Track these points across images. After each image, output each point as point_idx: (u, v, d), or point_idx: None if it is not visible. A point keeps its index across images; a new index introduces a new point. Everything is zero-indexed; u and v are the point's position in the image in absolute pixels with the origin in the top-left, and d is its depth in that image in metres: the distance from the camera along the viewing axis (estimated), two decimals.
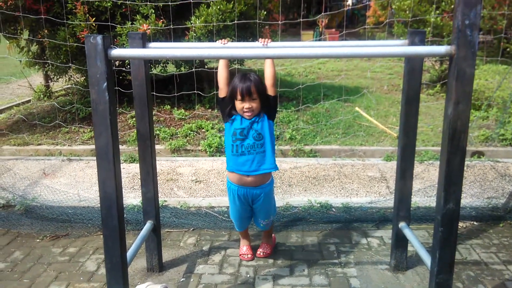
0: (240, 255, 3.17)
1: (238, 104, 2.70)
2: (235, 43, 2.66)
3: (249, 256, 3.14)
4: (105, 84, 2.06)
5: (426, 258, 2.46)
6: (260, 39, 2.55)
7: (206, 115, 6.41)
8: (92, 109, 2.11)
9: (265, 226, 3.08)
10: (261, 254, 3.15)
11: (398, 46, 2.63)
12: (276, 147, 5.47)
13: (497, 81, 6.91)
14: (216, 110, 6.51)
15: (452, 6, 7.22)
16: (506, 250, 3.21)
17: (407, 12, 7.70)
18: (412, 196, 2.91)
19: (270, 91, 2.74)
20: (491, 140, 5.46)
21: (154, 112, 6.29)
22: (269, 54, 2.37)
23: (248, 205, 2.95)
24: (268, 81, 2.72)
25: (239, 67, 6.68)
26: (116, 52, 2.07)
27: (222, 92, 2.75)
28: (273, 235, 3.32)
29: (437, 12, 7.60)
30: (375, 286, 2.80)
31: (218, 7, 5.61)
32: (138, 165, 2.88)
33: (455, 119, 2.05)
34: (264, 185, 2.86)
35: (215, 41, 2.61)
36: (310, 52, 2.17)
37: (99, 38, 2.01)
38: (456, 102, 2.03)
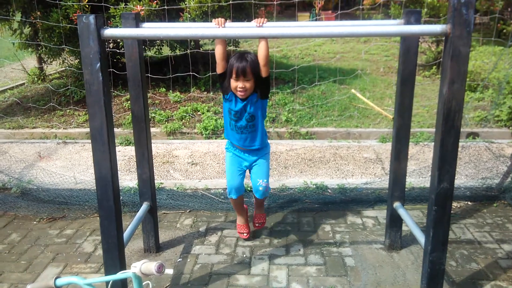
0: (238, 232, 3.20)
1: (233, 83, 2.74)
2: (230, 23, 2.63)
3: (246, 234, 3.18)
4: (99, 64, 2.04)
5: (420, 237, 2.49)
6: (255, 19, 2.53)
7: (201, 97, 6.39)
8: (85, 90, 2.10)
9: (264, 189, 2.99)
10: (258, 225, 3.22)
11: (394, 25, 2.61)
12: (272, 129, 5.48)
13: (493, 62, 6.90)
14: (212, 93, 6.48)
15: None
16: (500, 229, 3.25)
17: None
18: (407, 177, 2.93)
19: (263, 71, 2.76)
20: (486, 121, 5.48)
21: (149, 95, 6.26)
22: (264, 33, 2.34)
23: (245, 164, 3.00)
24: (261, 61, 2.73)
25: (235, 49, 6.63)
26: (109, 31, 2.05)
27: (219, 67, 2.79)
28: (264, 215, 3.29)
29: None
30: (370, 265, 2.84)
31: None
32: (133, 147, 2.88)
33: (449, 98, 2.05)
34: (261, 148, 2.99)
35: (211, 22, 2.59)
36: (306, 31, 2.16)
37: (91, 18, 1.98)
38: (451, 82, 2.02)
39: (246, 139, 2.89)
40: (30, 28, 6.60)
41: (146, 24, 2.64)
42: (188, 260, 2.93)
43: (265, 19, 2.52)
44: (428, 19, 7.25)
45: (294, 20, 14.17)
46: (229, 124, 2.89)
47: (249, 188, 3.64)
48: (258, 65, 2.73)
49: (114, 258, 2.32)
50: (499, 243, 3.07)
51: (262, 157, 3.01)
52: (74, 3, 5.46)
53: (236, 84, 2.71)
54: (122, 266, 2.37)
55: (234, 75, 2.70)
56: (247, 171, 3.06)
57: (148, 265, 1.62)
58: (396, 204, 2.90)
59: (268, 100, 2.91)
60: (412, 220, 2.72)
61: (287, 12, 17.57)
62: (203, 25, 2.74)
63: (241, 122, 2.83)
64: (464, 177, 4.05)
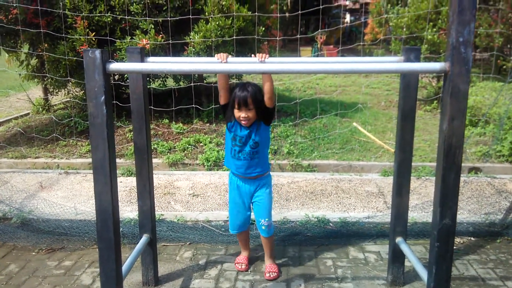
0: (235, 263, 3.19)
1: (236, 113, 2.83)
2: (233, 58, 2.69)
3: (243, 266, 3.16)
4: (103, 97, 2.07)
5: (423, 273, 2.45)
6: (257, 54, 2.59)
7: (204, 129, 6.43)
8: (89, 122, 2.12)
9: (266, 228, 3.01)
10: (270, 276, 3.05)
11: (394, 63, 2.65)
12: (273, 161, 5.49)
13: (493, 97, 6.96)
14: (214, 125, 6.53)
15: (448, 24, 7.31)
16: (503, 266, 3.20)
17: (404, 29, 7.80)
18: (409, 212, 2.92)
19: (268, 104, 2.83)
20: (488, 156, 5.48)
21: (152, 126, 6.31)
22: (266, 69, 2.39)
23: (247, 198, 3.01)
24: (266, 94, 2.81)
25: (237, 81, 6.73)
26: (114, 66, 2.09)
27: (222, 98, 2.89)
28: (276, 265, 3.16)
29: (434, 29, 7.70)
30: None
31: (217, 22, 5.68)
32: (135, 178, 2.88)
33: (450, 135, 2.06)
34: (262, 177, 3.01)
35: (214, 57, 2.65)
36: (307, 67, 2.20)
37: (97, 52, 2.03)
38: (451, 118, 2.04)
39: (247, 167, 2.91)
40: (37, 60, 6.72)
41: (150, 59, 2.70)
42: None
43: (267, 55, 2.58)
44: (428, 56, 7.37)
45: (296, 54, 14.43)
46: (231, 152, 2.94)
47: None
48: (260, 95, 2.81)
49: None
50: (503, 280, 3.02)
51: (263, 190, 3.00)
52: (81, 36, 5.59)
53: (239, 114, 2.80)
54: None
55: (236, 105, 2.79)
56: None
57: None
58: (399, 240, 2.88)
59: (270, 127, 2.97)
60: (415, 256, 2.69)
61: (289, 46, 17.88)
62: (206, 60, 2.81)
63: (246, 148, 2.88)
64: (467, 212, 4.02)
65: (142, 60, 2.64)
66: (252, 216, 3.12)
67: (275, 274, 3.06)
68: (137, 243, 2.87)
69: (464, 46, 1.99)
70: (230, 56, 2.63)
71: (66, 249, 3.50)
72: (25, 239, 3.61)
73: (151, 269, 2.96)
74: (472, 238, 3.62)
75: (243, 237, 3.21)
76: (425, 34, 7.44)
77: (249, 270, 3.16)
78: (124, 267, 2.49)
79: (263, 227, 3.02)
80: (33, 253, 3.45)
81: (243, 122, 2.82)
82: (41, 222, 3.83)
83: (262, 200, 3.00)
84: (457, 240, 3.58)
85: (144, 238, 2.88)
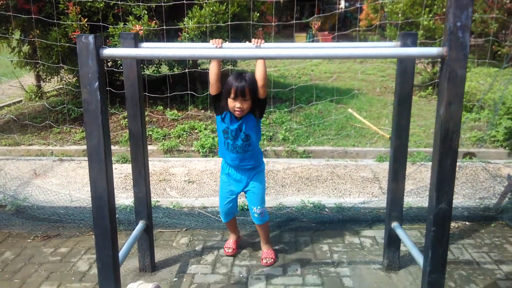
0: (224, 247, 3.23)
1: (231, 102, 2.74)
2: (228, 43, 2.66)
3: (231, 251, 3.18)
4: (97, 83, 2.04)
5: (419, 258, 2.47)
6: (253, 39, 2.55)
7: (199, 115, 6.40)
8: (83, 109, 2.10)
9: (259, 216, 3.03)
10: (267, 262, 3.07)
11: (391, 48, 2.64)
12: (269, 148, 5.48)
13: (488, 83, 6.97)
14: (209, 111, 6.50)
15: (444, 10, 7.28)
16: (498, 250, 3.23)
17: (400, 15, 7.76)
18: (404, 197, 2.92)
19: (261, 93, 2.76)
20: (482, 141, 5.51)
21: (146, 113, 6.27)
22: (262, 54, 2.36)
23: (237, 186, 3.01)
24: (259, 82, 2.73)
25: (232, 68, 6.68)
26: (108, 51, 2.06)
27: (213, 88, 2.78)
28: (273, 251, 3.18)
29: (430, 15, 7.66)
30: (368, 286, 2.81)
31: (211, 8, 5.61)
32: (130, 165, 2.87)
33: (447, 119, 2.06)
34: (255, 166, 2.99)
35: (208, 42, 2.61)
36: (304, 52, 2.18)
37: (90, 38, 2.00)
38: (448, 103, 2.04)
39: (241, 159, 2.90)
40: (28, 46, 6.64)
41: (144, 44, 2.66)
42: (184, 279, 2.90)
43: (263, 40, 2.55)
44: (423, 41, 7.35)
45: (291, 40, 14.36)
46: (224, 144, 2.90)
47: (246, 207, 3.64)
48: (256, 85, 2.73)
49: (109, 277, 2.29)
50: (498, 264, 3.05)
51: (257, 178, 2.99)
52: (73, 22, 5.51)
53: (234, 104, 2.72)
54: (117, 285, 2.33)
55: (232, 95, 2.70)
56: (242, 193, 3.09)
57: (145, 286, 1.60)
58: (394, 224, 2.89)
59: (261, 120, 2.94)
60: (411, 240, 2.70)
61: (283, 32, 17.75)
62: (201, 45, 2.77)
63: (237, 142, 2.84)
64: (462, 197, 4.04)
65: (136, 46, 2.60)
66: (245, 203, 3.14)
67: (272, 260, 3.08)
68: (133, 229, 2.87)
69: (461, 30, 1.97)
70: (225, 42, 2.60)
71: (61, 236, 3.49)
72: (20, 226, 3.59)
73: (148, 255, 2.96)
74: (467, 223, 3.65)
75: (232, 223, 3.22)
76: (421, 19, 7.40)
77: (245, 256, 3.17)
78: (120, 254, 2.48)
79: (256, 215, 3.03)
80: (29, 240, 3.43)
81: (237, 112, 2.73)
82: (36, 209, 3.81)
83: (255, 189, 2.99)
84: (452, 224, 3.60)
85: (140, 225, 2.87)
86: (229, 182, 3.02)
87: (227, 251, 3.19)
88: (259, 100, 2.78)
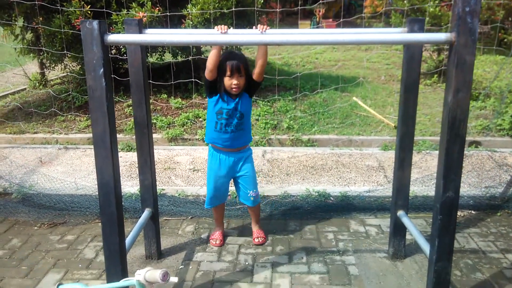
0: (210, 239, 3.21)
1: (227, 81, 2.80)
2: (233, 30, 2.63)
3: (218, 242, 3.18)
4: (102, 70, 2.03)
5: (425, 246, 2.47)
6: (258, 25, 2.53)
7: (203, 104, 6.38)
8: (88, 96, 2.09)
9: (254, 199, 3.12)
10: (259, 241, 3.19)
11: (398, 33, 2.61)
12: (273, 136, 5.47)
13: (494, 71, 6.90)
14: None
15: None
16: (504, 239, 3.22)
17: (405, 1, 7.67)
18: (410, 185, 2.91)
19: (258, 78, 2.85)
20: (488, 130, 5.47)
21: (150, 101, 6.24)
22: (268, 40, 2.34)
23: (229, 170, 3.04)
24: (258, 68, 2.81)
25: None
26: (113, 37, 2.04)
27: (211, 74, 2.79)
28: (262, 231, 3.29)
29: (436, 1, 7.57)
30: (373, 274, 2.81)
31: None
32: (135, 153, 2.87)
33: (454, 107, 2.03)
34: (244, 149, 3.05)
35: (213, 29, 2.59)
36: (311, 38, 2.15)
37: (95, 23, 1.98)
38: (456, 90, 2.01)
39: (234, 138, 2.93)
40: (32, 34, 6.61)
41: (149, 31, 2.64)
42: (190, 267, 2.91)
43: (268, 26, 2.53)
44: (429, 28, 7.27)
45: (295, 27, 14.24)
46: (216, 126, 2.92)
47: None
48: (247, 63, 2.83)
49: (116, 264, 2.30)
50: (504, 252, 3.04)
51: (248, 162, 3.06)
52: (76, 9, 5.47)
53: (231, 82, 2.79)
54: (124, 272, 2.35)
55: (228, 73, 2.78)
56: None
57: (153, 273, 1.61)
58: (400, 213, 2.88)
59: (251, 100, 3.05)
60: (417, 229, 2.70)
61: (287, 20, 17.62)
62: (206, 32, 2.73)
63: (232, 121, 2.88)
64: (467, 186, 4.03)
65: (140, 32, 2.58)
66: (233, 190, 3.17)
67: (263, 239, 3.20)
68: (139, 217, 2.87)
69: (470, 16, 1.94)
70: (230, 29, 2.58)
71: (68, 223, 3.51)
72: (27, 214, 3.61)
73: (154, 243, 2.97)
74: (473, 212, 3.64)
75: (220, 211, 3.25)
76: (426, 6, 7.31)
77: (251, 244, 3.18)
78: (127, 241, 2.49)
79: (252, 198, 3.11)
80: (35, 228, 3.45)
81: (234, 89, 2.80)
82: (42, 197, 3.82)
83: (248, 173, 3.07)
84: (458, 213, 3.54)
85: (146, 212, 2.88)
86: (220, 168, 3.04)
87: (214, 242, 3.18)
88: (255, 82, 2.87)
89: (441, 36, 2.05)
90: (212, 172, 3.07)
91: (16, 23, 6.33)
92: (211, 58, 2.74)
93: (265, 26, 2.52)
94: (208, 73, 2.80)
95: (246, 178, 3.08)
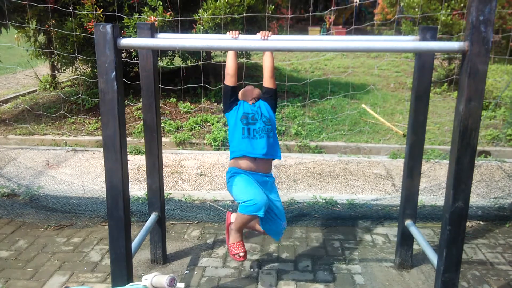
0: (233, 254, 2.67)
1: (241, 97, 2.81)
2: (244, 35, 2.64)
3: (243, 254, 2.67)
4: (114, 73, 2.04)
5: (432, 257, 2.44)
6: (260, 32, 2.55)
7: (212, 108, 6.39)
8: (100, 99, 2.09)
9: (284, 228, 2.72)
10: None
11: (411, 42, 2.60)
12: (281, 142, 5.46)
13: (505, 80, 6.85)
14: (222, 104, 6.48)
15: (462, 5, 7.16)
16: None
17: (416, 9, 7.64)
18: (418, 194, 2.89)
19: (270, 83, 2.78)
20: (498, 140, 5.42)
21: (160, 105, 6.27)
22: (280, 46, 2.32)
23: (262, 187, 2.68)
24: (267, 73, 2.78)
25: (246, 61, 6.66)
26: (125, 41, 2.05)
27: (232, 80, 2.70)
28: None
29: (448, 10, 7.54)
30: (379, 283, 2.78)
31: (226, 0, 5.58)
32: (142, 157, 2.87)
33: (466, 116, 2.02)
34: (270, 173, 2.76)
35: (223, 34, 2.61)
36: (323, 45, 2.15)
37: (108, 27, 1.99)
38: (468, 99, 2.00)
39: (265, 145, 2.63)
40: (44, 36, 6.67)
41: (161, 35, 2.65)
42: (195, 272, 2.90)
43: (270, 32, 2.54)
44: (440, 37, 7.24)
45: (305, 33, 14.24)
46: (243, 133, 2.64)
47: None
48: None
49: (122, 268, 2.30)
50: None
51: (275, 188, 2.75)
52: (88, 13, 5.52)
53: (245, 97, 2.79)
54: (130, 276, 2.34)
55: (242, 91, 2.80)
56: None
57: (160, 278, 1.59)
58: (408, 222, 2.86)
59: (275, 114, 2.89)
60: (424, 239, 2.67)
61: (297, 26, 17.66)
62: (218, 37, 2.75)
63: (259, 124, 2.66)
64: (476, 196, 3.99)
65: (153, 37, 2.59)
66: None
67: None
68: (145, 221, 2.87)
69: (484, 25, 1.93)
70: (240, 34, 2.59)
71: (74, 226, 3.51)
72: (34, 215, 3.63)
73: (160, 247, 2.97)
74: (481, 222, 3.60)
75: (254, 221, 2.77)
76: (438, 14, 7.28)
77: (256, 251, 3.16)
78: (133, 245, 2.49)
79: (284, 227, 2.71)
80: (42, 230, 3.46)
81: (250, 100, 2.76)
82: (50, 199, 3.84)
83: (279, 201, 2.73)
84: (466, 224, 3.55)
85: (153, 216, 2.88)
86: (251, 178, 2.65)
87: (239, 256, 2.67)
88: (267, 89, 2.80)
89: (454, 44, 2.03)
90: (240, 182, 2.61)
91: (29, 25, 6.40)
92: (229, 63, 2.68)
93: (267, 33, 2.53)
94: (229, 79, 2.69)
95: (279, 204, 2.68)
